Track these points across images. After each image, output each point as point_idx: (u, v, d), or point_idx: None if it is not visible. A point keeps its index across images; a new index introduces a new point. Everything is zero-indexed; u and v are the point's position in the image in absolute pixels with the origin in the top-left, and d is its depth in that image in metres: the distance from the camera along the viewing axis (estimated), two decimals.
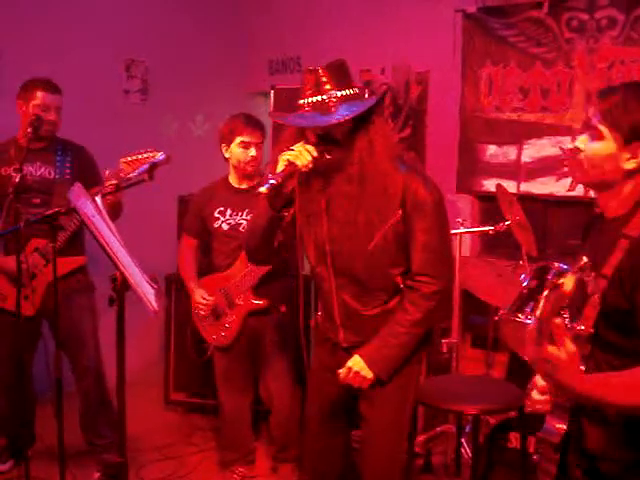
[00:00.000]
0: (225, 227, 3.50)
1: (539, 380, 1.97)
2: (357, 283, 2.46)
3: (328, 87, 2.27)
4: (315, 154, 2.28)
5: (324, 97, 2.26)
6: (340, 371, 2.47)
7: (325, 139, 2.30)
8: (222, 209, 3.51)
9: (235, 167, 3.49)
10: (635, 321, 1.68)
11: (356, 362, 2.45)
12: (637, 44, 3.84)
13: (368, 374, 2.43)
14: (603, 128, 1.76)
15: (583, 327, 1.72)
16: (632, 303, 1.69)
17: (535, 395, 1.96)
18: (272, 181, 2.23)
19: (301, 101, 2.31)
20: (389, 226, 2.36)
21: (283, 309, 3.55)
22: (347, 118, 2.24)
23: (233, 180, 3.55)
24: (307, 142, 2.31)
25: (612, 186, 1.80)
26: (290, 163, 2.25)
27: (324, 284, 2.54)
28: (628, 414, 1.71)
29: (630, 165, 1.76)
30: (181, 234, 3.82)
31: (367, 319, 2.49)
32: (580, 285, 1.87)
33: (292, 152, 2.27)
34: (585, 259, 1.77)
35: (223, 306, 3.54)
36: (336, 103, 2.26)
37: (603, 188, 1.83)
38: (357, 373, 2.44)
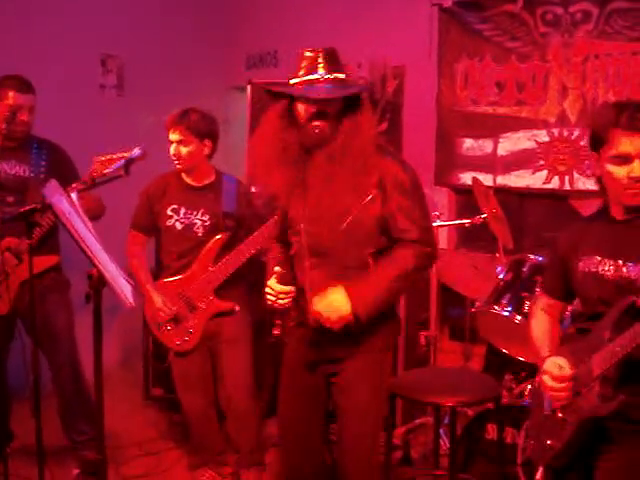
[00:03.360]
0: (179, 226, 3.34)
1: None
2: (331, 262, 2.48)
3: (326, 68, 2.41)
4: (288, 289, 2.49)
5: (330, 75, 2.40)
6: (315, 302, 2.41)
7: (318, 114, 2.38)
8: (176, 207, 3.35)
9: None
10: None
11: (336, 291, 2.38)
12: (611, 38, 3.88)
13: (346, 307, 2.36)
14: None
15: None
16: None
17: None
18: (276, 332, 2.60)
19: (299, 78, 2.42)
20: (364, 204, 2.42)
21: (237, 308, 3.39)
22: (354, 92, 2.44)
23: (186, 176, 3.39)
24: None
25: None
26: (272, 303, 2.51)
27: (298, 263, 2.57)
28: None
29: None
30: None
31: None
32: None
33: (270, 297, 2.50)
34: None
35: (184, 311, 3.37)
36: (335, 81, 2.41)
37: None
38: (335, 308, 2.37)
